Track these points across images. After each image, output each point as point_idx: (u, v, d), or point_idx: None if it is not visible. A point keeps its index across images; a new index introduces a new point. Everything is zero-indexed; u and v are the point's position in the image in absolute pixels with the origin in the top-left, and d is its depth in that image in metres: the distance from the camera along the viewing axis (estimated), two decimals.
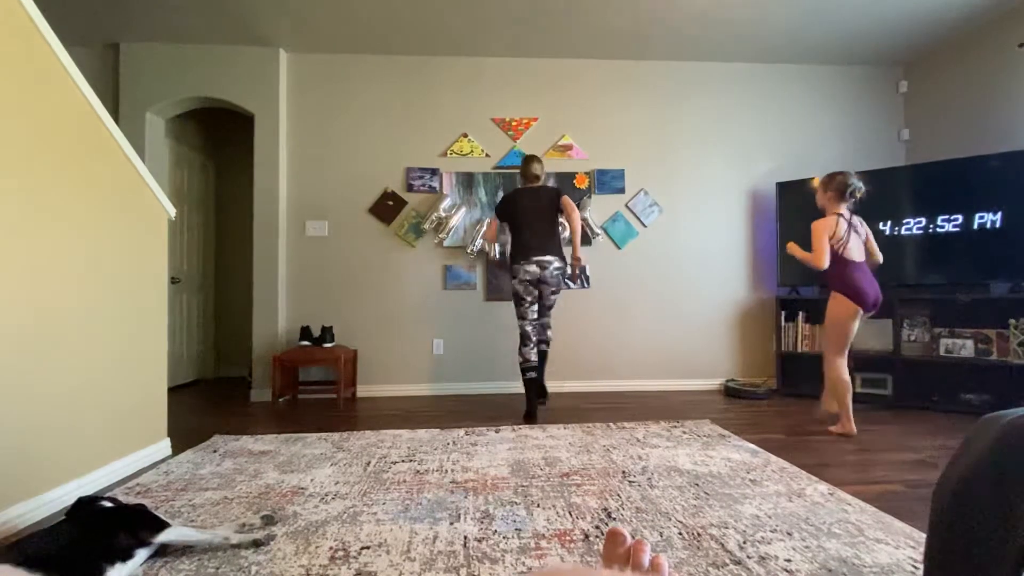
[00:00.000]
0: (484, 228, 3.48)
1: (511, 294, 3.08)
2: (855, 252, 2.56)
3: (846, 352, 2.61)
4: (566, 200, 3.02)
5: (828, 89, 4.16)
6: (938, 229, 3.33)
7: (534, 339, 2.99)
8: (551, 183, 3.91)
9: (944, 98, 3.86)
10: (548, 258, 2.93)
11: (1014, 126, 3.35)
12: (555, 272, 2.95)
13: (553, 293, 3.03)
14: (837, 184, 2.59)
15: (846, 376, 2.61)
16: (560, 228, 3.12)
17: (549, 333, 3.16)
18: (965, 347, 3.21)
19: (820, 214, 2.71)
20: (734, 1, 3.25)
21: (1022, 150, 3.12)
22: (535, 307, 3.01)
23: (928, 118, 3.99)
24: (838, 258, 2.57)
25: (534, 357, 2.97)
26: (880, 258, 2.68)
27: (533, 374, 2.95)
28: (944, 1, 3.27)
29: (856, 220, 2.63)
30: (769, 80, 4.13)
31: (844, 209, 2.60)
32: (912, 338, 3.42)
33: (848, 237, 2.55)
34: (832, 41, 3.78)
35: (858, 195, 2.59)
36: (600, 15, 3.40)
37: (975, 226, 3.22)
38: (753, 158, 4.11)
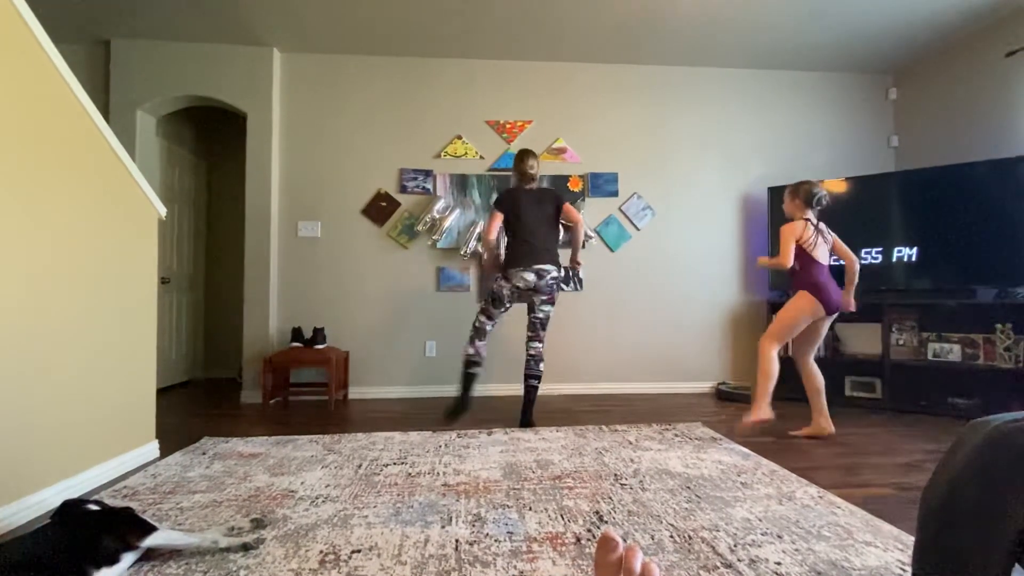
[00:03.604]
0: (487, 226, 2.88)
1: (490, 292, 2.86)
2: (822, 255, 2.68)
3: (781, 346, 2.71)
4: (569, 208, 2.90)
5: (819, 95, 4.21)
6: (926, 235, 3.37)
7: (489, 334, 2.84)
8: (544, 184, 3.92)
9: (933, 106, 3.91)
10: (547, 267, 2.80)
11: (1002, 134, 3.41)
12: (551, 281, 2.82)
13: (545, 302, 2.85)
14: (804, 192, 2.73)
15: (776, 366, 2.68)
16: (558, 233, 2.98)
17: (541, 367, 2.86)
18: (953, 351, 3.25)
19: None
20: (727, 7, 3.28)
21: (1009, 157, 3.17)
22: (505, 313, 2.82)
23: (917, 125, 4.04)
24: (807, 259, 2.68)
25: (485, 353, 2.83)
26: (855, 259, 2.75)
27: (478, 369, 2.80)
28: (934, 10, 3.32)
29: (823, 226, 2.74)
30: (761, 86, 4.17)
31: (811, 215, 2.73)
32: (901, 342, 3.46)
33: (816, 240, 2.68)
34: (824, 48, 3.82)
35: (824, 203, 2.73)
36: (594, 19, 3.41)
37: (963, 232, 3.26)
38: (745, 163, 4.15)
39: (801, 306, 2.66)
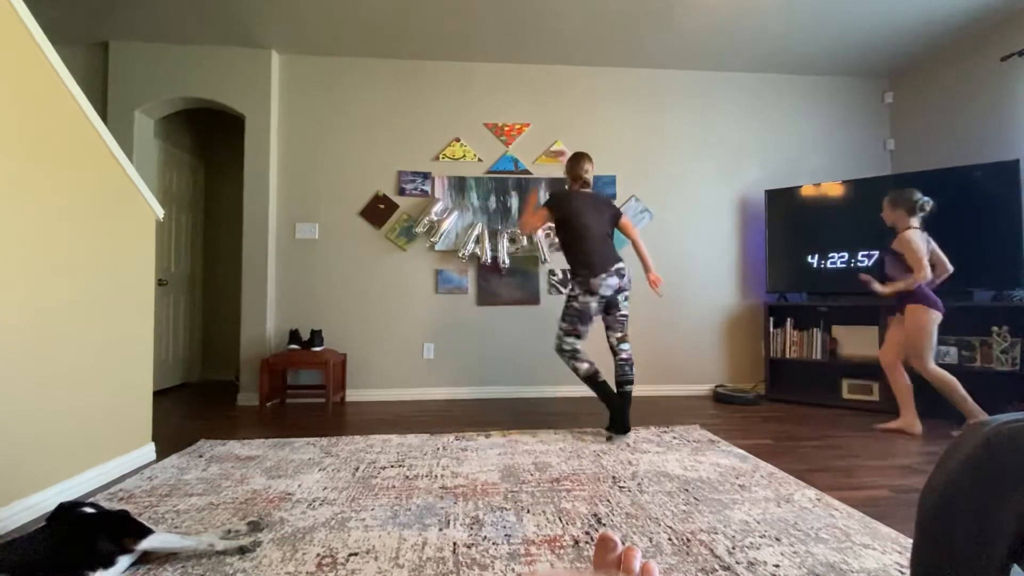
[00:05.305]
0: (530, 218, 2.80)
1: (573, 312, 2.67)
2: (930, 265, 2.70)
3: (934, 356, 2.71)
4: (627, 224, 2.84)
5: (816, 99, 4.23)
6: None
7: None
8: (542, 187, 3.93)
9: (929, 110, 3.94)
10: (621, 265, 2.70)
11: (997, 137, 3.43)
12: (627, 276, 2.73)
13: (626, 298, 2.76)
14: (906, 201, 2.72)
15: (947, 374, 2.68)
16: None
17: (631, 372, 2.73)
18: (949, 354, 3.26)
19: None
20: (725, 11, 3.30)
21: (1004, 161, 3.18)
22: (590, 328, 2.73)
23: (913, 129, 4.06)
24: None
25: (591, 359, 2.71)
26: (950, 268, 2.80)
27: (600, 376, 2.68)
28: (930, 15, 3.35)
29: (927, 235, 2.75)
30: (758, 89, 4.19)
31: (916, 222, 2.70)
32: None
33: (926, 250, 2.67)
34: (821, 52, 3.84)
35: (927, 209, 2.70)
36: (593, 22, 3.42)
37: (959, 235, 3.27)
38: (742, 166, 4.16)
39: (924, 320, 2.67)
